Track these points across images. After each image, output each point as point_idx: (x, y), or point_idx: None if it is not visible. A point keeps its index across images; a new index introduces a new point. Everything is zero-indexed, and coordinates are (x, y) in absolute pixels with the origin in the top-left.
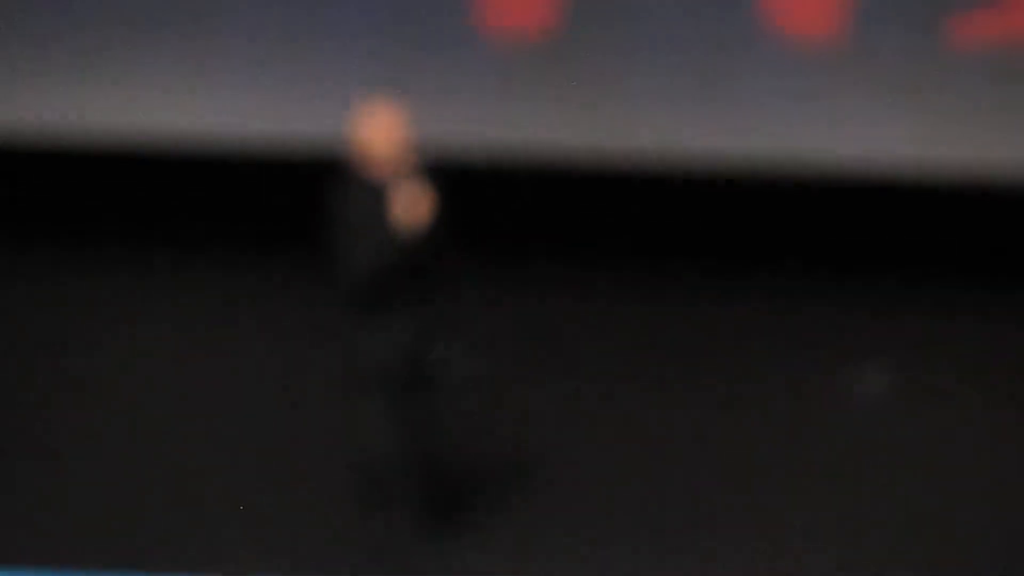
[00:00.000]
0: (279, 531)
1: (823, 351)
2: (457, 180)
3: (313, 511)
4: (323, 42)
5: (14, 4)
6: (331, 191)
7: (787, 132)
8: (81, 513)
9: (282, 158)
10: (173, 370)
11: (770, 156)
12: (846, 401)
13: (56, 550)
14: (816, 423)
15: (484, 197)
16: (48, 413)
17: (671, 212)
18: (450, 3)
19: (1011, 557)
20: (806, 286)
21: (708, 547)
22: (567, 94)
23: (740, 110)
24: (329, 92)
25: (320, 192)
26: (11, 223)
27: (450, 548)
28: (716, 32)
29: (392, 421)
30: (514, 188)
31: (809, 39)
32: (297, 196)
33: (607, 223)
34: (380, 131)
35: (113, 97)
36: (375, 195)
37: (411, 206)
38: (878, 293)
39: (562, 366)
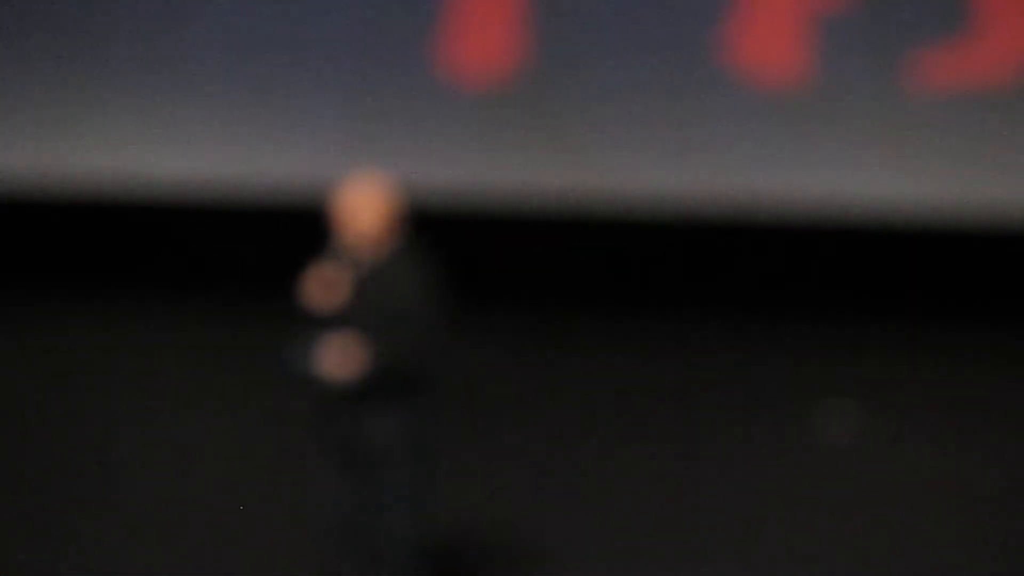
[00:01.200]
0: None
1: (794, 393)
2: (426, 224)
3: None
4: (296, 92)
5: None
6: (311, 248)
7: (752, 174)
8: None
9: (258, 206)
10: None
11: (735, 199)
12: (817, 442)
13: None
14: (789, 463)
15: (451, 240)
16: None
17: (637, 256)
18: (417, 53)
19: None
20: (773, 328)
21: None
22: (533, 140)
23: (706, 153)
24: (302, 141)
25: (293, 239)
26: None
27: None
28: (681, 76)
29: (340, 489)
30: (478, 231)
31: (773, 81)
32: (272, 244)
33: (574, 266)
34: (366, 204)
35: (93, 147)
36: (330, 260)
37: (327, 286)
38: (844, 335)
39: (531, 408)
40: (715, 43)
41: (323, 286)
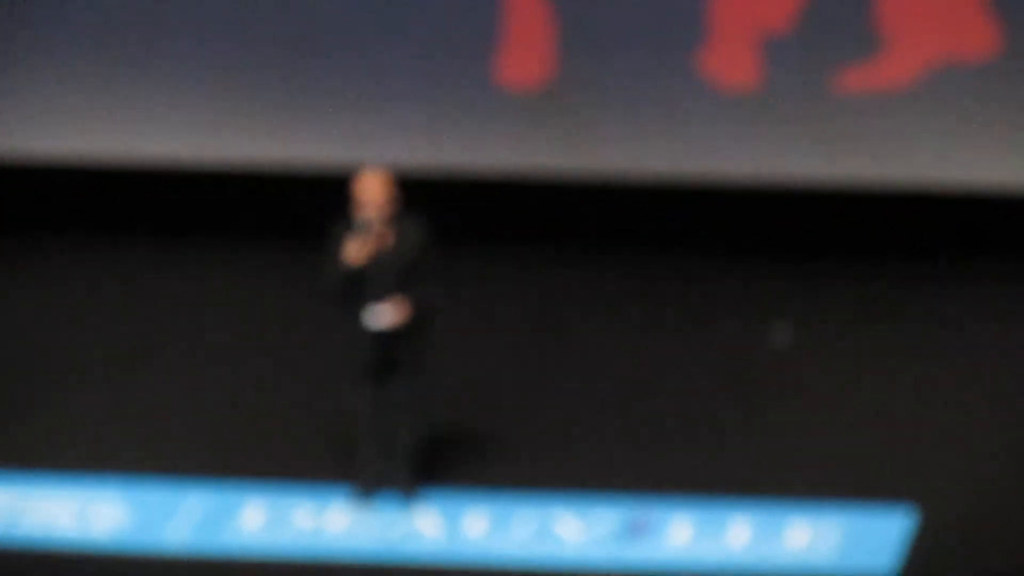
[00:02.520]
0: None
1: (746, 313)
2: (474, 195)
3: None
4: (383, 90)
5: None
6: (334, 223)
7: (720, 152)
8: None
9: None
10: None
11: (707, 169)
12: (762, 349)
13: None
14: (739, 366)
15: (494, 207)
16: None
17: (636, 216)
18: (476, 61)
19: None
20: (731, 266)
21: (664, 452)
22: (559, 129)
23: (683, 140)
24: (375, 130)
25: (325, 208)
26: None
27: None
28: (670, 80)
29: (373, 393)
30: (519, 199)
31: (736, 86)
32: (305, 211)
33: (579, 220)
34: (370, 184)
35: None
36: (356, 228)
37: (353, 245)
38: (784, 269)
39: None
40: (695, 59)
41: (355, 246)
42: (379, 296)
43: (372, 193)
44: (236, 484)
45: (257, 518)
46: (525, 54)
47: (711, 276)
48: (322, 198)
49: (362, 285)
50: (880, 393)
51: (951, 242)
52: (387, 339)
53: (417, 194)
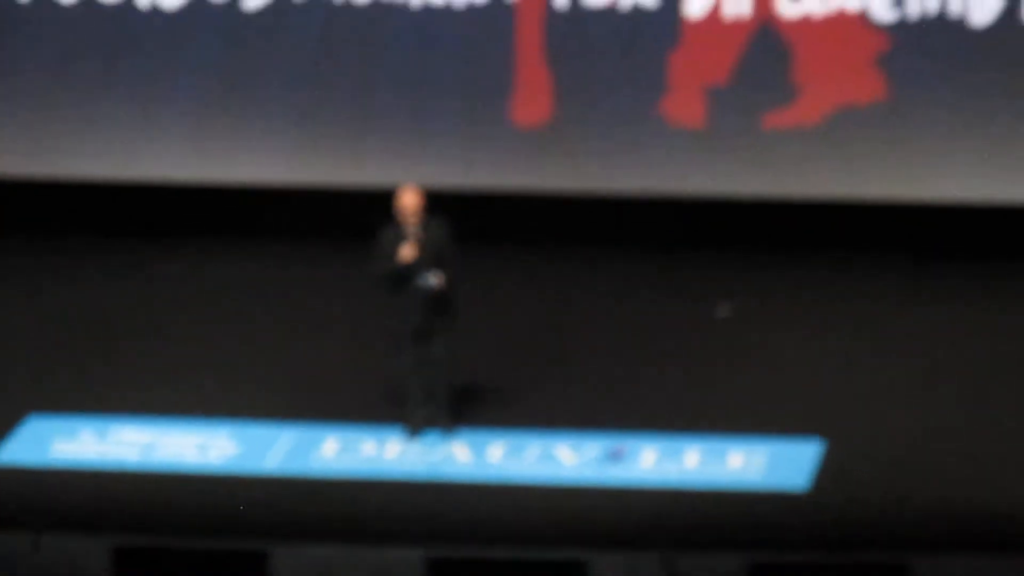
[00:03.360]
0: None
1: (699, 295)
2: (486, 213)
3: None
4: (404, 124)
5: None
6: (381, 227)
7: (676, 176)
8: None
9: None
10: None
11: (667, 189)
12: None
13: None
14: (694, 335)
15: (507, 217)
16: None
17: (616, 222)
18: (498, 104)
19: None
20: (685, 259)
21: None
22: (556, 156)
23: (650, 163)
24: (416, 156)
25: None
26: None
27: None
28: (639, 119)
29: (417, 353)
30: (527, 210)
31: (687, 125)
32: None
33: (577, 230)
34: (409, 197)
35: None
36: (399, 232)
37: (405, 247)
38: (729, 261)
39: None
40: (658, 105)
41: (406, 249)
42: (421, 275)
43: (410, 202)
44: (317, 424)
45: (333, 449)
46: (531, 100)
47: (674, 268)
48: (377, 211)
49: (408, 275)
50: (800, 353)
51: (854, 241)
52: (428, 309)
53: (448, 207)
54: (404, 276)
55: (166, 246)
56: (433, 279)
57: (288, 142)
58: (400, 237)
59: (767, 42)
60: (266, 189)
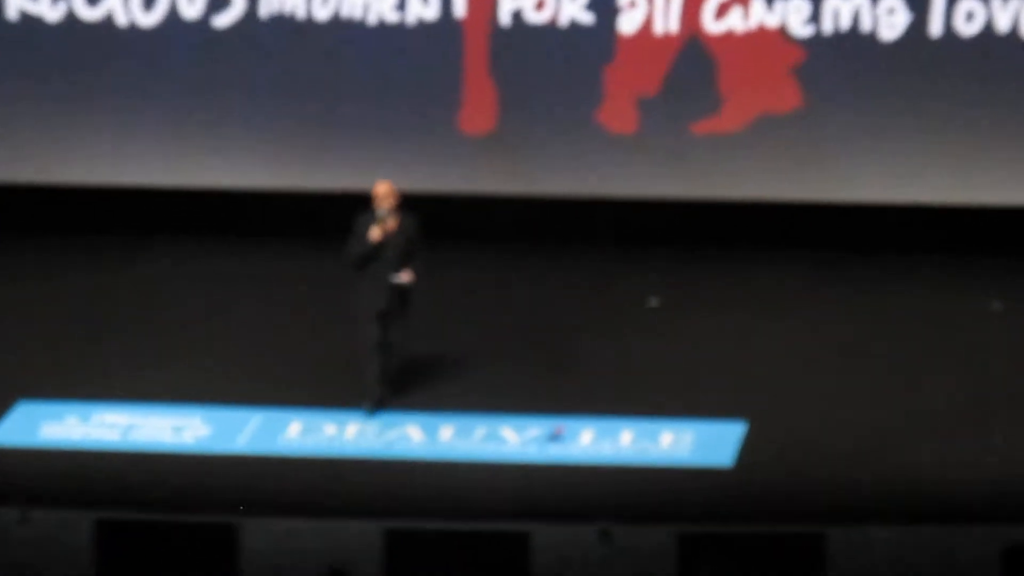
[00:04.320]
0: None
1: (632, 289)
2: (438, 214)
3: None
4: (362, 131)
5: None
6: (356, 214)
7: (610, 178)
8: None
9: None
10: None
11: (602, 190)
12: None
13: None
14: (627, 324)
15: (458, 216)
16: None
17: (555, 220)
18: (440, 111)
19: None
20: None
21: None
22: (502, 164)
23: (586, 166)
24: (375, 161)
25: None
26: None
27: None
28: (575, 131)
29: (377, 335)
30: (470, 216)
31: (622, 130)
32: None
33: (519, 228)
34: (381, 185)
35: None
36: (372, 217)
37: (374, 228)
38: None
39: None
40: (594, 113)
41: (375, 229)
42: (389, 262)
43: (382, 189)
44: (283, 408)
45: (297, 430)
46: (478, 110)
47: (609, 263)
48: (341, 211)
49: (376, 255)
50: (723, 342)
51: (772, 238)
52: (391, 296)
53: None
54: (371, 256)
55: (145, 246)
56: (404, 276)
57: (258, 149)
58: (372, 221)
59: (694, 55)
60: (237, 192)
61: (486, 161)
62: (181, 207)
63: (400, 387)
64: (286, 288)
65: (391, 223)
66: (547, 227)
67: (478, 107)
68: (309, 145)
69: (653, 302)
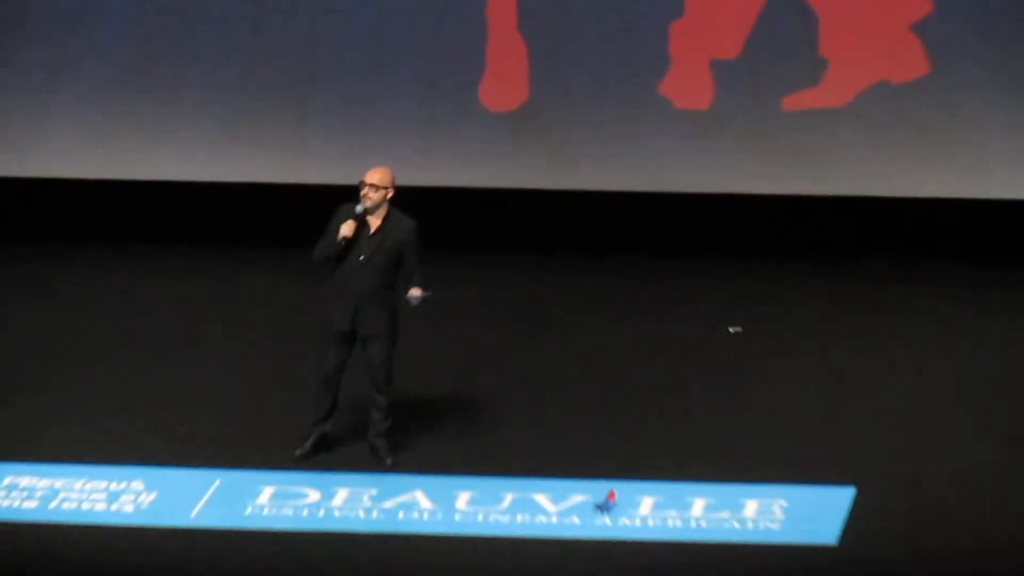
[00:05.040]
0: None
1: (704, 313)
2: (451, 211)
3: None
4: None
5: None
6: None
7: (678, 164)
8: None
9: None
10: (193, 326)
11: (663, 182)
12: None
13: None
14: (697, 361)
15: (470, 221)
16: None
17: (602, 222)
18: (464, 85)
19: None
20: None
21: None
22: (533, 146)
23: (645, 155)
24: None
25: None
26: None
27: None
28: (631, 104)
29: (336, 356)
30: (496, 216)
31: (692, 104)
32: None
33: (558, 230)
34: (370, 173)
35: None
36: (351, 211)
37: (347, 226)
38: (739, 276)
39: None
40: (656, 83)
41: (348, 224)
42: (366, 272)
43: (369, 177)
44: (251, 470)
45: (270, 496)
46: (502, 79)
47: (671, 276)
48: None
49: (345, 258)
50: (824, 379)
51: (897, 243)
52: (357, 313)
53: (409, 200)
54: (337, 258)
55: (66, 254)
56: (415, 292)
57: (217, 135)
58: (350, 215)
59: (786, 8)
60: (186, 185)
61: (513, 146)
62: (115, 204)
63: (401, 439)
64: (249, 303)
65: (373, 221)
66: (590, 229)
67: (504, 75)
68: (281, 133)
69: (733, 328)
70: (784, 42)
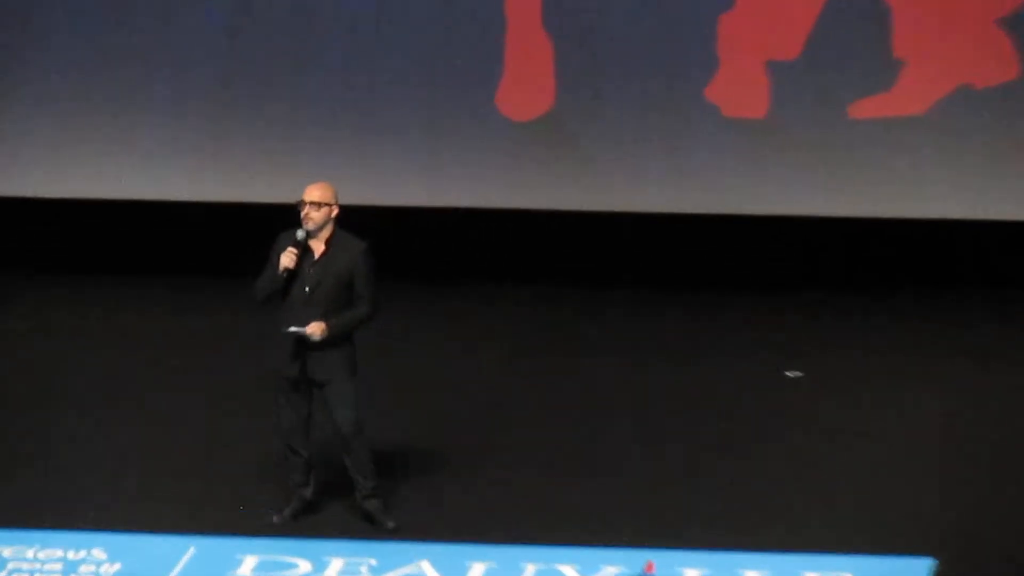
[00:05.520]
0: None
1: (757, 351)
2: (470, 226)
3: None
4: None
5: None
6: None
7: (729, 181)
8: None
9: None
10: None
11: (711, 203)
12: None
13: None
14: (756, 399)
15: (490, 238)
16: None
17: (634, 246)
18: (480, 94)
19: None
20: (747, 303)
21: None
22: (559, 160)
23: (688, 172)
24: (385, 164)
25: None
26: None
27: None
28: (673, 111)
29: (293, 409)
30: (514, 238)
31: (744, 113)
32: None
33: (582, 255)
34: (307, 190)
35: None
36: (288, 242)
37: (285, 253)
38: (799, 307)
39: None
40: (701, 88)
41: (287, 254)
42: (307, 303)
43: (306, 195)
44: (230, 537)
45: (252, 567)
46: (524, 83)
47: (719, 312)
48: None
49: (287, 292)
50: (896, 436)
51: (986, 274)
52: (304, 354)
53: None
54: (278, 293)
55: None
56: (312, 328)
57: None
58: (290, 242)
59: (853, 2)
60: (153, 204)
61: (536, 159)
62: (78, 228)
63: (399, 499)
64: (230, 340)
65: (316, 246)
66: (624, 256)
67: (526, 78)
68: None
69: (792, 373)
70: (851, 40)
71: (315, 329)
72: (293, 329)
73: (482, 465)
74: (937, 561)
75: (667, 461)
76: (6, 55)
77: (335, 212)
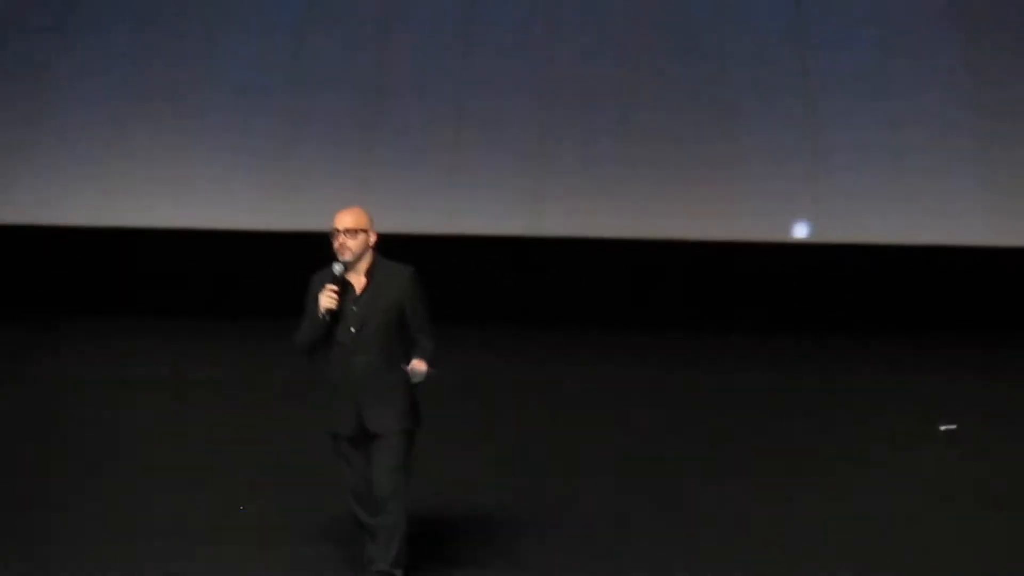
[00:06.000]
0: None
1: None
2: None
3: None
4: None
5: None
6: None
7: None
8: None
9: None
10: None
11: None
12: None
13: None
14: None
15: (516, 267)
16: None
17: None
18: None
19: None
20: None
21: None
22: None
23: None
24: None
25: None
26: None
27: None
28: (698, 145)
29: (356, 473)
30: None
31: None
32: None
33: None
34: (339, 217)
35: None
36: (326, 280)
37: (324, 293)
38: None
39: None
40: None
41: (326, 293)
42: (356, 346)
43: (339, 223)
44: None
45: None
46: None
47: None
48: None
49: (330, 336)
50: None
51: None
52: (367, 403)
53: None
54: (323, 339)
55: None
56: (418, 366)
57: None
58: (328, 279)
59: None
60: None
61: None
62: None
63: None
64: (254, 391)
65: (357, 280)
66: (669, 289)
67: None
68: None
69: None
70: None
71: (420, 366)
72: (425, 370)
73: (517, 530)
74: None
75: (726, 520)
76: (56, 85)
77: (373, 239)
